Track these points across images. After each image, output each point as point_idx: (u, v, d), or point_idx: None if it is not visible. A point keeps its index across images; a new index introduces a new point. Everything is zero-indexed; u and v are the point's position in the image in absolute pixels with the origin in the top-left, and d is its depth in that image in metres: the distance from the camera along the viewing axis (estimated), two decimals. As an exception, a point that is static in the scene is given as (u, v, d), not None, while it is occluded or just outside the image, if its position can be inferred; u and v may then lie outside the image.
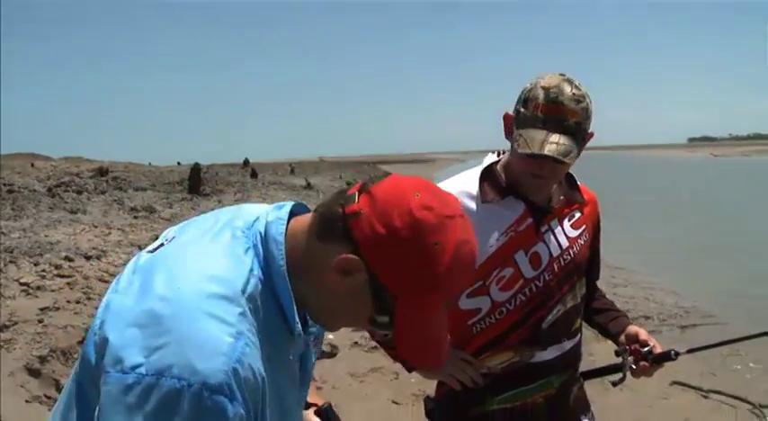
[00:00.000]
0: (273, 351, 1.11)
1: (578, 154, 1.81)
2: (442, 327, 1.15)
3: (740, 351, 6.63)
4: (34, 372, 4.68)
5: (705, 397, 5.42)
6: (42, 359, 4.86)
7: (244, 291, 1.07)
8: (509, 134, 1.88)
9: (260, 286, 1.10)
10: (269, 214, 1.18)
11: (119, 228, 10.95)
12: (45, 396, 4.41)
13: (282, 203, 1.24)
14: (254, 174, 24.20)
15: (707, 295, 9.26)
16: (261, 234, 1.14)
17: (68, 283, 7.16)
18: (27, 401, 4.28)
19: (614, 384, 2.05)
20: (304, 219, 1.16)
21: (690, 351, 2.14)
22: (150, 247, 1.20)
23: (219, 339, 1.01)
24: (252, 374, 1.04)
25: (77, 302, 6.67)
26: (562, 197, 1.98)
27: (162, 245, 1.18)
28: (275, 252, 1.12)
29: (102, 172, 19.89)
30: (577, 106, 1.77)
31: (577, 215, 2.00)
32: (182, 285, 1.05)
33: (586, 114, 1.80)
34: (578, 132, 1.78)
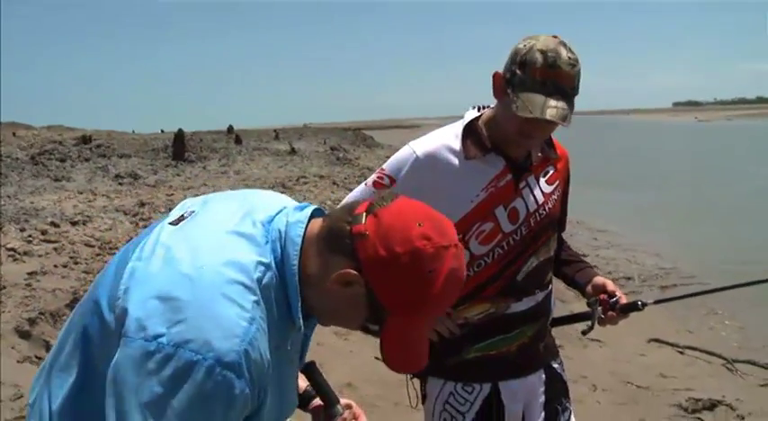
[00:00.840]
0: (280, 341, 1.22)
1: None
2: (424, 341, 1.26)
3: (717, 310, 6.81)
4: (24, 334, 4.74)
5: (681, 353, 5.58)
6: (32, 321, 4.92)
7: (260, 282, 1.16)
8: (499, 93, 1.91)
9: (274, 280, 1.19)
10: (290, 214, 1.27)
11: (103, 195, 10.94)
12: (36, 356, 4.47)
13: (304, 204, 1.33)
14: (238, 141, 24.05)
15: (688, 256, 9.42)
16: (281, 232, 1.23)
17: (55, 248, 7.19)
18: (18, 362, 4.35)
19: (584, 333, 2.13)
20: (317, 226, 1.25)
21: (656, 302, 2.23)
22: (171, 218, 1.28)
23: (236, 322, 1.11)
24: (260, 357, 1.14)
25: (64, 266, 6.70)
26: (540, 154, 2.04)
27: (182, 216, 1.27)
28: (291, 253, 1.21)
29: (85, 140, 19.69)
30: (573, 70, 1.82)
31: (551, 171, 2.07)
32: (205, 266, 1.14)
33: (579, 78, 1.85)
34: (573, 96, 1.84)
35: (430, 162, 1.94)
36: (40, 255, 6.72)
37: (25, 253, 6.73)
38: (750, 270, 8.36)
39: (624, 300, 2.07)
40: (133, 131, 32.30)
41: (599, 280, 2.12)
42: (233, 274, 1.14)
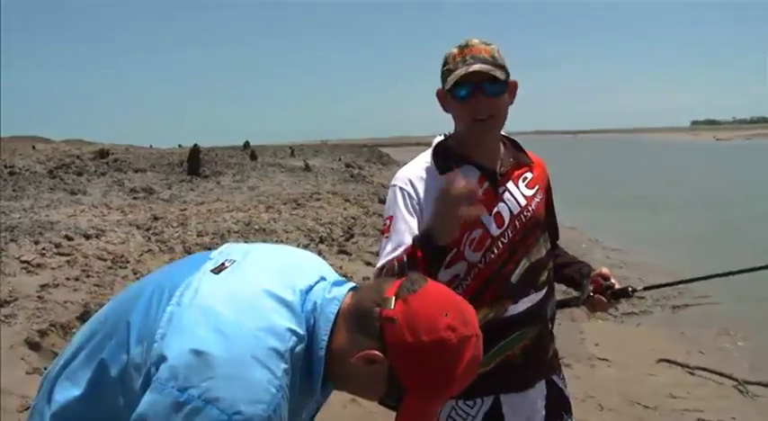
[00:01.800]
0: (297, 408, 1.29)
1: (506, 88, 2.00)
2: (435, 415, 1.36)
3: (730, 330, 6.73)
4: (34, 346, 4.78)
5: (691, 373, 5.49)
6: (42, 333, 4.97)
7: (292, 351, 1.23)
8: (444, 103, 2.07)
9: (303, 352, 1.26)
10: (328, 289, 1.34)
11: (118, 209, 11.05)
12: (44, 368, 4.51)
13: (343, 280, 1.41)
14: (253, 157, 24.21)
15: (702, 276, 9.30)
16: (316, 305, 1.30)
17: (68, 261, 7.26)
18: (27, 373, 4.38)
19: (570, 304, 2.22)
20: (348, 301, 1.33)
21: (646, 288, 2.33)
22: (212, 264, 1.35)
23: (265, 388, 1.17)
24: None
25: (76, 279, 6.76)
26: (511, 159, 2.12)
27: (224, 265, 1.34)
28: (323, 330, 1.28)
29: (102, 154, 19.92)
30: (487, 46, 2.00)
31: (529, 176, 2.14)
32: (244, 328, 1.20)
33: (499, 55, 2.00)
34: (497, 65, 1.97)
35: (412, 188, 2.03)
36: (52, 268, 6.80)
37: (38, 265, 6.81)
38: (763, 290, 8.30)
39: (618, 287, 2.14)
40: (151, 146, 32.64)
41: (597, 270, 2.20)
42: (270, 341, 1.20)
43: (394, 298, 1.26)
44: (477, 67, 1.93)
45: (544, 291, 2.12)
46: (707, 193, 20.86)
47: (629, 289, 2.13)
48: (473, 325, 1.28)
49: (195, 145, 18.29)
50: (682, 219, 15.48)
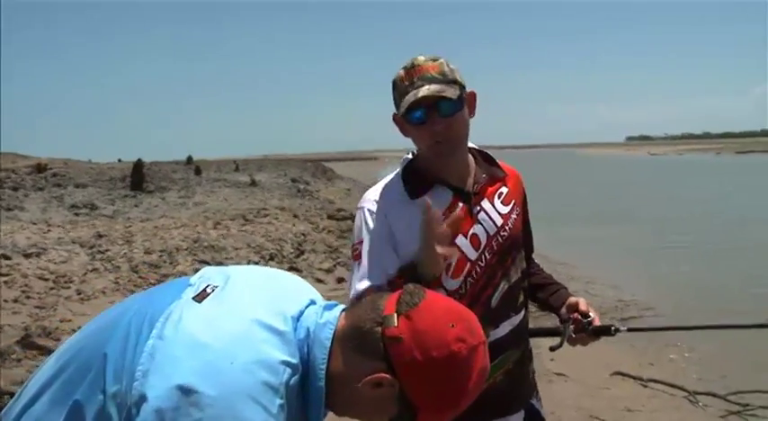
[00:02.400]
0: None
1: (462, 104, 1.91)
2: None
3: (676, 342, 6.88)
4: (-30, 373, 4.55)
5: (644, 386, 5.60)
6: (-21, 359, 4.73)
7: (287, 385, 1.14)
8: (402, 128, 1.98)
9: (298, 384, 1.18)
10: (320, 314, 1.26)
11: (59, 226, 10.70)
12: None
13: (333, 303, 1.32)
14: (198, 171, 23.85)
15: (646, 288, 9.53)
16: (309, 331, 1.22)
17: (5, 282, 6.98)
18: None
19: (552, 348, 2.10)
20: (342, 324, 1.24)
21: (630, 330, 2.24)
22: (192, 291, 1.24)
23: None
24: None
25: (15, 301, 6.50)
26: (484, 175, 2.03)
27: (205, 291, 1.23)
28: (319, 357, 1.20)
29: (39, 168, 19.33)
30: (435, 62, 1.89)
31: (504, 191, 2.05)
32: (235, 362, 1.10)
33: (449, 68, 1.90)
34: (447, 81, 1.87)
35: (381, 211, 1.96)
36: (-11, 289, 6.52)
37: (-27, 287, 6.52)
38: (704, 303, 8.54)
39: (597, 322, 2.05)
40: (90, 160, 31.80)
41: (572, 300, 2.11)
42: (263, 375, 1.11)
43: (395, 314, 1.19)
44: (425, 90, 1.84)
45: (523, 311, 2.08)
46: (647, 207, 21.44)
47: (612, 328, 2.05)
48: (479, 332, 1.23)
49: (139, 159, 17.92)
50: (624, 232, 15.85)
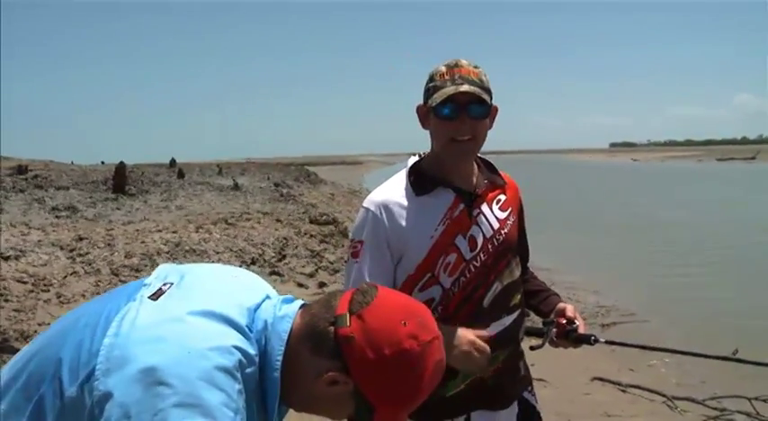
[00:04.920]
0: None
1: (489, 112, 2.00)
2: None
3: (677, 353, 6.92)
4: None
5: (624, 391, 5.64)
6: (-43, 363, 4.67)
7: (244, 371, 1.16)
8: (424, 120, 2.06)
9: (256, 374, 1.20)
10: (278, 307, 1.29)
11: (39, 228, 10.58)
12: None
13: (291, 297, 1.35)
14: (180, 175, 23.72)
15: (627, 294, 9.58)
16: (267, 323, 1.23)
17: (-17, 285, 6.89)
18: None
19: (532, 348, 2.18)
20: (298, 322, 1.26)
21: (608, 342, 2.31)
22: (148, 290, 1.25)
23: (223, 413, 1.09)
24: None
25: (-7, 304, 6.41)
26: (485, 181, 2.12)
27: (161, 290, 1.24)
28: (276, 349, 1.22)
29: (20, 170, 19.15)
30: (476, 69, 2.00)
31: (503, 198, 2.14)
32: (192, 351, 1.12)
33: (486, 79, 2.00)
34: (484, 88, 1.97)
35: (384, 212, 2.01)
36: (-34, 293, 6.43)
37: (-50, 289, 6.43)
38: (684, 308, 8.62)
39: (582, 330, 2.12)
40: (72, 162, 31.53)
41: (562, 305, 2.19)
42: (220, 361, 1.12)
43: (348, 314, 1.21)
44: (466, 87, 1.93)
45: (516, 314, 2.12)
46: (630, 214, 21.56)
47: (592, 338, 2.12)
48: (432, 328, 1.25)
49: (121, 162, 17.80)
50: (602, 238, 15.94)
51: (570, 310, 2.15)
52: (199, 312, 1.18)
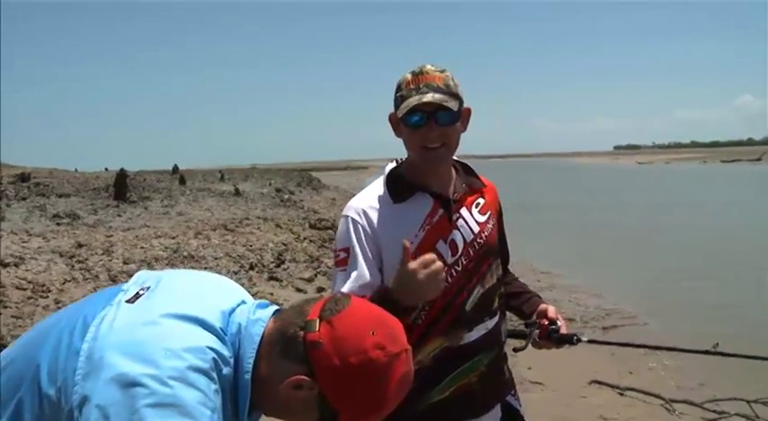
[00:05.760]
0: None
1: (459, 117, 2.00)
2: None
3: (656, 351, 6.88)
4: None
5: (621, 394, 5.61)
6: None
7: (220, 373, 1.18)
8: (396, 128, 2.06)
9: (231, 376, 1.22)
10: (252, 311, 1.30)
11: (39, 235, 10.60)
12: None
13: (266, 303, 1.35)
14: (182, 181, 23.77)
15: (629, 297, 9.56)
16: (240, 327, 1.25)
17: (-18, 292, 6.90)
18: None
19: (515, 350, 2.18)
20: (270, 327, 1.27)
21: (590, 341, 2.30)
22: (127, 295, 1.26)
23: (200, 411, 1.11)
24: None
25: (-8, 311, 6.42)
26: (464, 185, 2.13)
27: (138, 294, 1.26)
28: (248, 352, 1.23)
29: (23, 178, 19.20)
30: (442, 74, 1.98)
31: (482, 201, 2.14)
32: (169, 352, 1.13)
33: (453, 82, 1.99)
34: (450, 94, 1.96)
35: (364, 219, 2.01)
36: (-35, 299, 6.44)
37: (-51, 296, 6.45)
38: (686, 312, 8.58)
39: (564, 330, 2.13)
40: (76, 170, 31.62)
41: (543, 307, 2.19)
42: (196, 362, 1.14)
43: (318, 320, 1.22)
44: (429, 97, 1.92)
45: (498, 317, 2.13)
46: (633, 217, 21.51)
47: (574, 337, 2.12)
48: (401, 341, 1.26)
49: (122, 169, 17.84)
50: (608, 241, 15.89)
51: (552, 311, 2.16)
52: (173, 315, 1.20)
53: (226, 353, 1.20)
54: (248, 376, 1.22)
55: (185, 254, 9.27)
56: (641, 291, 10.09)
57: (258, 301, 1.35)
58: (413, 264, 1.75)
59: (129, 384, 1.08)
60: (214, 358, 1.17)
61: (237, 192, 21.15)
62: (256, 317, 1.28)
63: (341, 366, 1.18)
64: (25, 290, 7.26)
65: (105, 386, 1.08)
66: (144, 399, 1.07)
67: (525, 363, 6.15)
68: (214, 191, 21.78)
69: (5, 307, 6.63)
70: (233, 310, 1.28)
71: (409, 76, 1.99)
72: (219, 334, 1.22)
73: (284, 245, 10.67)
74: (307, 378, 1.19)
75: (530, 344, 2.15)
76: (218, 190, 22.22)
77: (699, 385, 5.83)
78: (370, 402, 1.22)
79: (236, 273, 8.66)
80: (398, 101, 1.99)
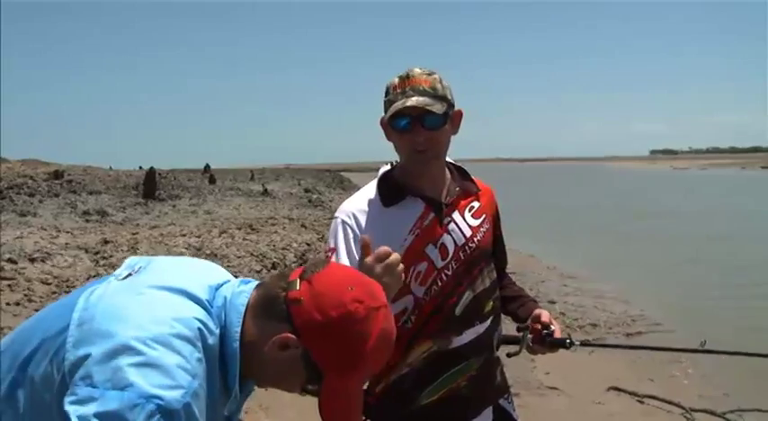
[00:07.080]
0: (210, 403, 1.24)
1: (447, 120, 1.97)
2: (359, 399, 1.35)
3: (680, 358, 6.74)
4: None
5: (640, 402, 5.48)
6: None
7: (205, 342, 1.22)
8: (387, 132, 2.05)
9: (218, 348, 1.25)
10: (236, 285, 1.35)
11: (68, 231, 10.79)
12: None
13: (249, 279, 1.40)
14: (212, 180, 24.01)
15: (656, 304, 9.38)
16: (226, 299, 1.30)
17: (9, 285, 7.05)
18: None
19: (509, 355, 2.17)
20: (255, 293, 1.32)
21: (583, 344, 2.32)
22: (119, 275, 1.33)
23: (182, 375, 1.15)
24: (198, 412, 1.17)
25: (17, 304, 6.56)
26: (457, 188, 2.11)
27: (129, 274, 1.32)
28: (234, 320, 1.28)
29: (57, 175, 19.55)
30: (429, 77, 1.97)
31: (476, 205, 2.13)
32: (155, 318, 1.19)
33: (441, 85, 1.98)
34: (436, 97, 1.95)
35: (354, 221, 2.02)
36: (-8, 293, 6.58)
37: (-24, 289, 6.58)
38: (713, 321, 8.40)
39: (558, 335, 2.12)
40: (110, 167, 32.08)
41: (538, 311, 2.18)
42: (181, 329, 1.18)
43: (298, 280, 1.26)
44: (414, 100, 1.92)
45: (489, 321, 2.11)
46: (664, 223, 21.18)
47: (567, 341, 2.12)
48: (380, 297, 1.29)
49: (151, 167, 18.08)
50: (637, 247, 15.67)
51: (546, 316, 2.15)
52: (162, 286, 1.26)
53: (211, 324, 1.24)
54: (236, 344, 1.25)
55: (208, 251, 9.35)
56: (669, 298, 9.89)
57: (242, 279, 1.40)
58: (368, 259, 1.71)
59: (115, 348, 1.13)
60: (199, 327, 1.21)
61: (266, 192, 21.29)
62: (240, 289, 1.32)
63: (321, 320, 1.21)
64: (50, 284, 7.40)
65: (97, 352, 1.13)
66: (128, 359, 1.11)
67: (544, 368, 6.08)
68: (243, 190, 21.98)
69: (30, 300, 6.76)
70: (219, 286, 1.33)
71: (396, 80, 1.99)
72: (206, 306, 1.26)
73: (308, 244, 10.70)
74: (290, 335, 1.23)
75: (524, 350, 2.13)
76: (247, 189, 22.41)
77: (723, 395, 5.67)
78: (349, 357, 1.25)
79: (257, 272, 8.70)
80: (386, 105, 1.99)
